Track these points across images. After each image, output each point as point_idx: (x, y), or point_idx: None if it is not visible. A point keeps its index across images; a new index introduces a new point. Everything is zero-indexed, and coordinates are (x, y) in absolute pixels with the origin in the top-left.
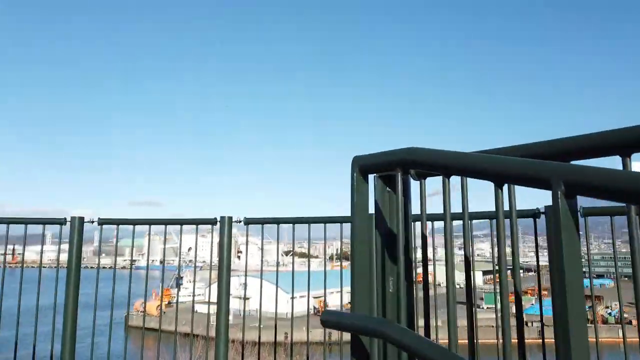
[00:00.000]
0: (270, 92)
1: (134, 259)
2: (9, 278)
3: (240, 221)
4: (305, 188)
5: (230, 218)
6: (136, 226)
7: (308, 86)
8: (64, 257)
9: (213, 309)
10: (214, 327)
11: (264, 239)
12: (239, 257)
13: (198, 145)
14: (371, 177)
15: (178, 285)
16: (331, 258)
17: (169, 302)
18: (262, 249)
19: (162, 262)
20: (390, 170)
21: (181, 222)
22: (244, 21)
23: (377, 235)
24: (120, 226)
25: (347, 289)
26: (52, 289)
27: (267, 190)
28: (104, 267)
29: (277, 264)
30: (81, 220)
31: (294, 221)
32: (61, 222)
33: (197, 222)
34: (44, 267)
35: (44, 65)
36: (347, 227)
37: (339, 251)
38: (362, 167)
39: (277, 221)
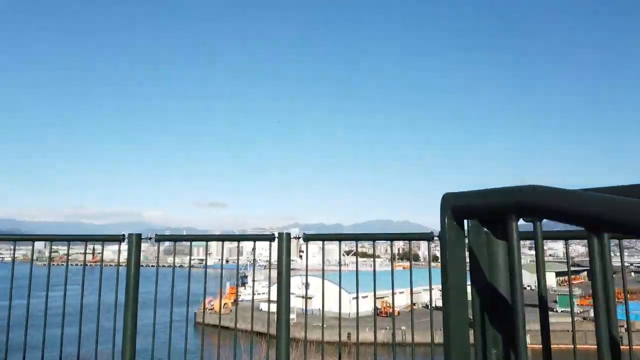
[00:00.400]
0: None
1: (201, 258)
2: (89, 276)
3: (299, 237)
4: (358, 188)
5: (288, 234)
6: (204, 226)
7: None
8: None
9: (274, 307)
10: (275, 325)
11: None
12: (300, 256)
13: (262, 148)
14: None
15: (243, 284)
16: (393, 258)
17: (235, 301)
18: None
19: (238, 265)
20: (498, 215)
21: (238, 238)
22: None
23: (475, 295)
24: (189, 227)
25: (408, 289)
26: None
27: (333, 192)
28: (180, 266)
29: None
30: (138, 237)
31: (357, 237)
32: (120, 238)
33: (254, 238)
34: (121, 265)
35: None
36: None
37: (401, 250)
38: (457, 209)
39: (339, 237)
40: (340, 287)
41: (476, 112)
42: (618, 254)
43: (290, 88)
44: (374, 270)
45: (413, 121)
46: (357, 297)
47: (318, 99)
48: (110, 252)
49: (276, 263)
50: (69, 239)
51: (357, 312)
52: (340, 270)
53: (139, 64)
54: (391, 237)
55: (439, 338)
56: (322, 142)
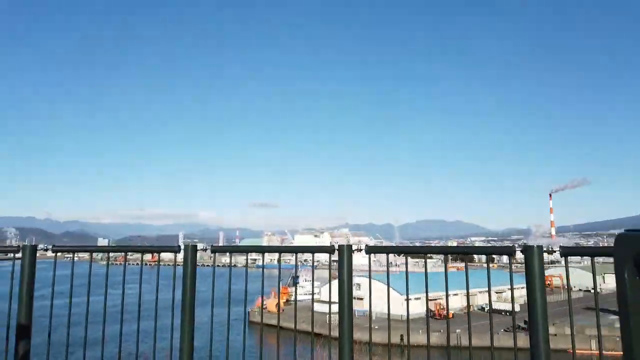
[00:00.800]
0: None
1: (254, 257)
2: (145, 275)
3: (360, 249)
4: (403, 189)
5: (349, 247)
6: (256, 226)
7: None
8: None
9: (329, 308)
10: (333, 326)
11: (375, 238)
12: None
13: (312, 149)
14: None
15: (295, 285)
16: (445, 258)
17: (287, 300)
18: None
19: (298, 265)
20: None
21: (296, 249)
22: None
23: None
24: (242, 227)
25: (464, 291)
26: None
27: (383, 192)
28: (234, 266)
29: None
30: (194, 248)
31: (425, 250)
32: (175, 250)
33: (314, 250)
34: (178, 265)
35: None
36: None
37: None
38: None
39: (403, 250)
40: (388, 288)
41: (531, 111)
42: None
43: (338, 90)
44: (425, 268)
45: (463, 119)
46: (407, 299)
47: (367, 101)
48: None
49: (329, 264)
50: (126, 250)
51: (408, 314)
52: (387, 273)
53: (199, 70)
54: (465, 251)
55: (497, 342)
56: (372, 142)
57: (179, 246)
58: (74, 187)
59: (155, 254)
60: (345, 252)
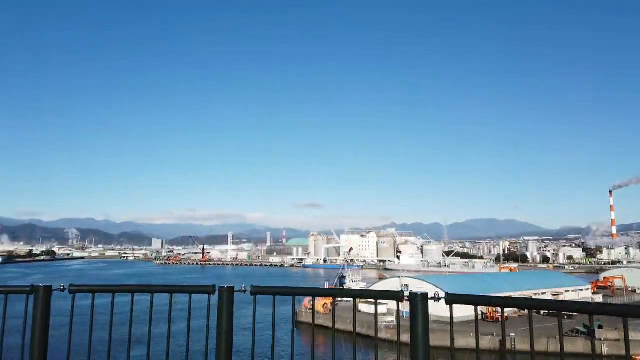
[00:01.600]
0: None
1: (300, 257)
2: (197, 275)
3: (440, 298)
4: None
5: (425, 296)
6: (302, 226)
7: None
8: (241, 255)
9: (381, 309)
10: (388, 327)
11: (422, 238)
12: (398, 257)
13: (356, 148)
14: None
15: (342, 284)
16: (497, 259)
17: (334, 301)
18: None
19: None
20: None
21: (359, 294)
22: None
23: None
24: (289, 227)
25: (519, 293)
26: (234, 284)
27: (431, 190)
28: (275, 265)
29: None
30: (230, 290)
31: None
32: (209, 291)
33: (377, 296)
34: (227, 264)
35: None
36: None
37: (507, 251)
38: None
39: (483, 302)
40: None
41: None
42: None
43: (385, 91)
44: None
45: (516, 114)
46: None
47: (414, 99)
48: (218, 252)
49: (375, 263)
50: (152, 291)
51: (451, 318)
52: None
53: (247, 72)
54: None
55: (552, 346)
56: (420, 140)
57: (214, 286)
58: (129, 190)
59: (206, 255)
60: (419, 302)
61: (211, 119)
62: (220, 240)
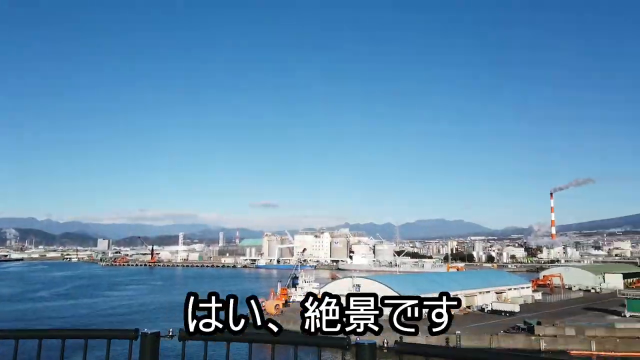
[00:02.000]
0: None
1: (253, 258)
2: (144, 276)
3: (390, 347)
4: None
5: (372, 347)
6: (257, 226)
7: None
8: (192, 256)
9: None
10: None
11: (375, 239)
12: (350, 257)
13: (313, 149)
14: None
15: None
16: (446, 258)
17: (286, 302)
18: None
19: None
20: None
21: (302, 341)
22: None
23: None
24: (243, 227)
25: (465, 292)
26: (184, 286)
27: (384, 191)
28: (227, 266)
29: None
30: (154, 338)
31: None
32: (131, 336)
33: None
34: (177, 266)
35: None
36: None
37: (455, 251)
38: None
39: (432, 352)
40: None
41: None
42: None
43: (338, 90)
44: None
45: (463, 119)
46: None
47: (369, 100)
48: (168, 252)
49: (328, 263)
50: (62, 336)
51: None
52: None
53: (197, 69)
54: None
55: (494, 343)
56: (373, 143)
57: (137, 330)
58: (74, 188)
59: (155, 256)
60: (367, 353)
61: (165, 118)
62: (171, 240)
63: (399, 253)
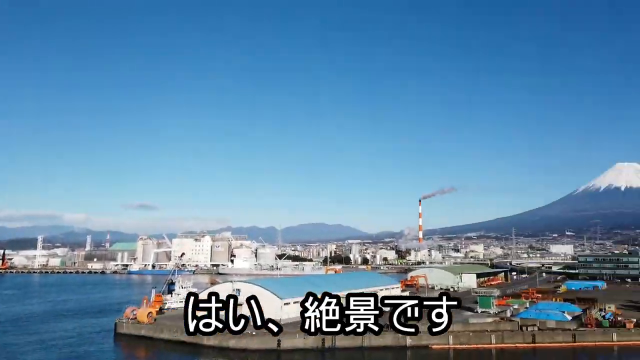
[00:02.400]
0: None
1: (126, 263)
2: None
3: None
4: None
5: None
6: (130, 229)
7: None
8: (53, 261)
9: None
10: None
11: (258, 242)
12: (232, 260)
13: (195, 148)
14: None
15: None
16: (325, 261)
17: (161, 309)
18: None
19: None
20: None
21: None
22: None
23: None
24: (114, 230)
25: (342, 293)
26: (41, 295)
27: (267, 195)
28: (95, 272)
29: None
30: None
31: None
32: None
33: None
34: (34, 272)
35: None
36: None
37: (333, 254)
38: None
39: None
40: None
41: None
42: (538, 254)
43: (228, 85)
44: None
45: (342, 123)
46: None
47: (255, 102)
48: (23, 257)
49: (208, 268)
50: None
51: None
52: None
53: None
54: None
55: (367, 342)
56: (257, 146)
57: None
58: None
59: (6, 261)
60: None
61: (33, 103)
62: (28, 244)
63: (280, 256)
